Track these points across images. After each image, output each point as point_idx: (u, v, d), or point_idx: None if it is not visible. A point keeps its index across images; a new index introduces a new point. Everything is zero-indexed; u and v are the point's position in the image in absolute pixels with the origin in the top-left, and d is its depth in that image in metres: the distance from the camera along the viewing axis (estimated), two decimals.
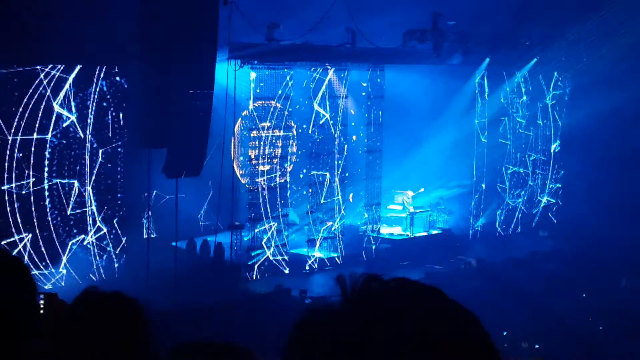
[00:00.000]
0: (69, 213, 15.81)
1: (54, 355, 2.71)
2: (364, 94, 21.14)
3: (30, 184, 15.17)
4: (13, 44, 14.37)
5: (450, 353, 1.17)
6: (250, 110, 18.37)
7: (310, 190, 19.90)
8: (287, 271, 18.96)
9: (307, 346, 1.23)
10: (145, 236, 17.38)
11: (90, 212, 16.16)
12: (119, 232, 16.62)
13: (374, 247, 20.79)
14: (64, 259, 15.72)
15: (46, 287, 14.73)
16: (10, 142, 14.81)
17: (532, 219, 25.17)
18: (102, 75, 15.99)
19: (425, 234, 21.75)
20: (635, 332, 16.38)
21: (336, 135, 20.09)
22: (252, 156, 18.69)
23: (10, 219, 14.98)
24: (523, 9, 21.75)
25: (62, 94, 15.41)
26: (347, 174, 20.58)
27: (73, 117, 15.66)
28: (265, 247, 18.64)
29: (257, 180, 18.71)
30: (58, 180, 15.59)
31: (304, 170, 20.35)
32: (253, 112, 18.41)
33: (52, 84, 15.26)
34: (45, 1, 14.61)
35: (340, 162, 20.27)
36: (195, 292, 16.28)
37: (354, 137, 21.08)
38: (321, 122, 19.82)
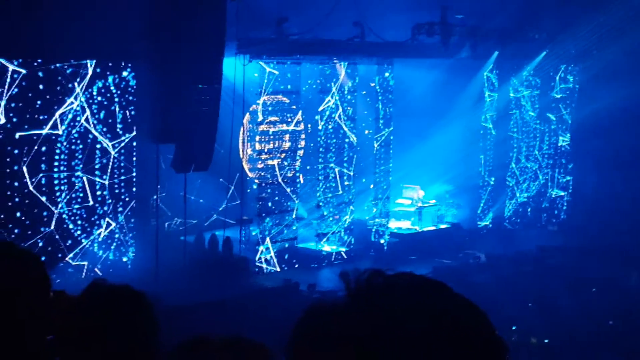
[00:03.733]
0: (80, 207, 15.88)
1: (62, 349, 2.71)
2: (371, 86, 21.08)
3: (42, 179, 15.25)
4: (27, 42, 14.43)
5: (456, 348, 1.16)
6: (258, 104, 18.37)
7: (320, 185, 19.89)
8: (296, 265, 18.98)
9: (311, 341, 1.22)
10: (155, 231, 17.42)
11: (102, 207, 16.22)
12: (130, 226, 16.68)
13: (382, 241, 20.78)
14: (73, 254, 15.79)
15: (57, 282, 14.78)
16: (20, 138, 14.88)
17: (541, 213, 25.10)
18: (111, 71, 16.03)
19: (433, 228, 21.72)
20: None
21: (346, 130, 20.07)
22: (261, 150, 18.70)
23: (24, 215, 15.06)
24: (532, 2, 21.64)
25: (78, 90, 15.47)
26: (356, 168, 20.54)
27: (83, 114, 15.70)
28: (273, 241, 18.64)
29: (265, 174, 18.72)
30: (71, 174, 15.65)
31: (311, 165, 20.33)
32: (261, 107, 18.41)
33: (63, 81, 15.32)
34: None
35: (349, 156, 20.24)
36: (204, 287, 16.31)
37: (367, 132, 21.10)
38: (335, 116, 19.79)
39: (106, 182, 16.21)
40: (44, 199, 15.33)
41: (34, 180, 15.16)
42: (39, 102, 15.05)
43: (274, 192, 18.80)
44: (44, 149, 15.23)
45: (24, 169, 15.00)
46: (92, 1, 15.02)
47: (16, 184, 14.96)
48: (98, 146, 16.04)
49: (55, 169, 15.48)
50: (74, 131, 15.61)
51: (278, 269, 18.50)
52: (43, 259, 1.95)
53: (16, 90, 14.69)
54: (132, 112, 16.38)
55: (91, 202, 16.08)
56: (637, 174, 23.54)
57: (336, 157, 20.03)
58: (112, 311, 2.86)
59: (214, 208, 19.71)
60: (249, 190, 19.52)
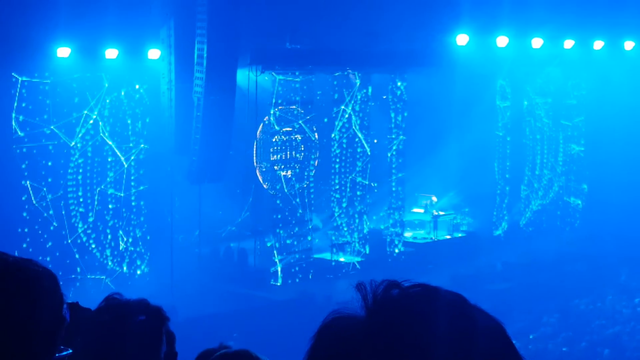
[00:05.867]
0: (93, 220, 15.93)
1: None
2: (383, 98, 21.05)
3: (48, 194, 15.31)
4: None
5: None
6: (271, 115, 18.38)
7: (334, 195, 19.85)
8: (310, 276, 18.91)
9: (328, 355, 1.21)
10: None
11: (116, 220, 16.27)
12: (145, 239, 16.71)
13: (397, 251, 20.69)
14: (88, 267, 15.83)
15: (70, 295, 14.82)
16: (36, 151, 14.97)
17: (557, 220, 24.93)
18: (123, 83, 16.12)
19: (449, 237, 21.62)
20: None
21: (361, 138, 20.03)
22: (274, 161, 18.69)
23: (40, 228, 15.13)
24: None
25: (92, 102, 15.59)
26: (370, 178, 20.48)
27: (97, 126, 15.78)
28: (287, 252, 18.60)
29: (279, 185, 18.71)
30: (85, 187, 15.72)
31: (325, 175, 20.27)
32: (274, 118, 18.42)
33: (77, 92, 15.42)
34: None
35: (362, 165, 20.19)
36: (220, 299, 16.30)
37: (375, 141, 21.06)
38: (352, 125, 19.75)
39: (121, 195, 16.25)
40: (53, 212, 15.36)
41: (49, 194, 15.22)
42: (50, 115, 15.11)
43: (288, 203, 18.78)
44: (50, 162, 15.22)
45: (33, 183, 15.03)
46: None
47: (31, 197, 15.03)
48: (110, 159, 16.09)
49: (70, 182, 15.54)
50: (83, 144, 15.65)
51: (279, 284, 18.23)
52: (60, 273, 1.94)
53: (27, 102, 14.76)
54: (146, 125, 16.45)
55: (106, 215, 16.13)
56: None
57: (350, 166, 19.98)
58: (130, 327, 2.86)
59: (231, 220, 19.69)
60: (263, 201, 19.49)
